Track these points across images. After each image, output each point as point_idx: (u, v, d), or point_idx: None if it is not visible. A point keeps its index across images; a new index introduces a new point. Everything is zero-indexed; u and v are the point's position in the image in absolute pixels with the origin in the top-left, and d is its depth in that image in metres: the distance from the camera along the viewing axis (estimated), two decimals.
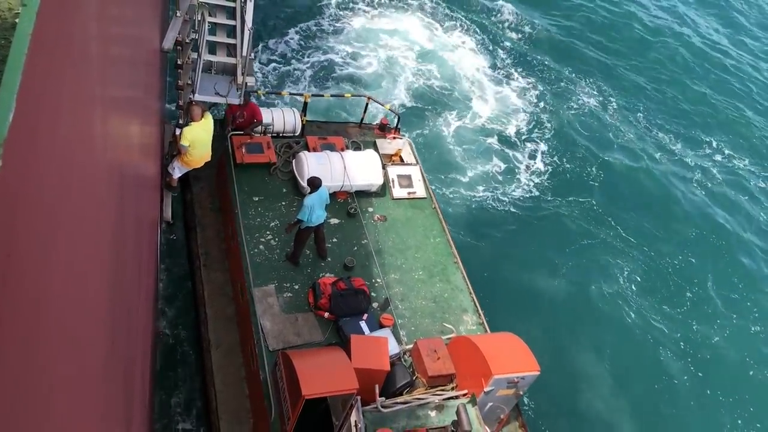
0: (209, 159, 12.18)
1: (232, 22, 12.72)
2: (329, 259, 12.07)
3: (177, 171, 12.22)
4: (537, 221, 18.20)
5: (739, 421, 15.32)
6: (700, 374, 15.88)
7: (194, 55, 12.14)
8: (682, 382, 15.67)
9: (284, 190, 12.84)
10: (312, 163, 12.57)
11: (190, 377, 12.47)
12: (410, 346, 11.02)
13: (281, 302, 11.25)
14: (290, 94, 14.98)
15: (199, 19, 11.97)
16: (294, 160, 13.00)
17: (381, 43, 22.12)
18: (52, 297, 3.30)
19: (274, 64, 19.26)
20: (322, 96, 15.18)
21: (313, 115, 15.59)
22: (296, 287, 11.52)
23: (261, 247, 11.89)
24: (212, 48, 12.65)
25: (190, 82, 12.04)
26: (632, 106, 23.69)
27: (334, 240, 12.39)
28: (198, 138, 11.51)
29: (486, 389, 9.98)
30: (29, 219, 2.76)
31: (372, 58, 21.34)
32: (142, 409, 8.90)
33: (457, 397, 10.27)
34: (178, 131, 11.83)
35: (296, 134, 14.42)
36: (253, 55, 12.42)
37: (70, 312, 3.80)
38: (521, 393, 10.39)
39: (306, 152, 12.90)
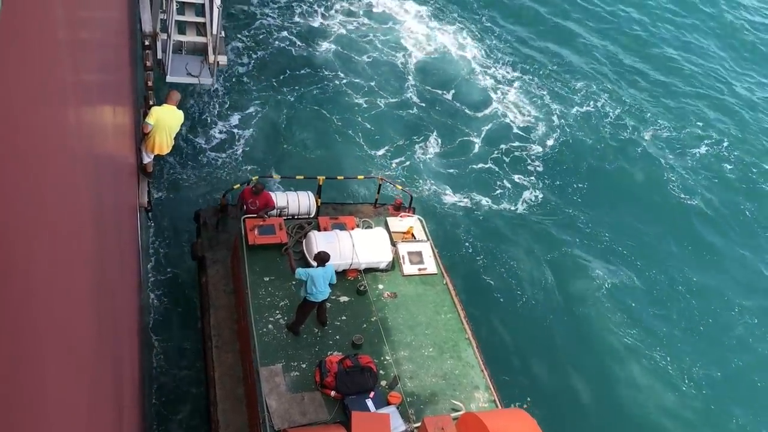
0: (170, 149, 12.20)
1: (200, 1, 12.70)
2: (337, 336, 12.09)
3: (146, 156, 12.22)
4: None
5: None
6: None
7: (164, 36, 12.10)
8: None
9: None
10: (321, 241, 12.79)
11: None
12: (418, 424, 10.80)
13: (288, 381, 11.23)
14: (305, 177, 15.43)
15: None
16: (304, 241, 13.26)
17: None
18: (37, 286, 3.33)
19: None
20: (335, 178, 15.59)
21: (328, 197, 15.97)
22: (303, 366, 11.51)
23: (270, 326, 12.00)
24: (182, 28, 12.61)
25: (158, 61, 12.07)
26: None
27: (343, 318, 12.43)
28: (163, 120, 11.62)
29: None
30: (6, 211, 2.76)
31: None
32: (133, 394, 8.96)
33: None
34: (146, 111, 11.89)
35: (311, 216, 14.76)
36: (223, 33, 12.50)
37: (55, 300, 3.85)
38: None
39: (315, 231, 13.17)
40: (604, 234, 18.94)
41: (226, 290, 13.47)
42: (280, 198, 14.63)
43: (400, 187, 15.77)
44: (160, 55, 12.31)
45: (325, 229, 13.67)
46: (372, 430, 9.51)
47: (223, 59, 12.40)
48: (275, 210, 14.23)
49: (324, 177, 15.14)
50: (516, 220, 18.86)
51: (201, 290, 13.65)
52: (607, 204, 19.87)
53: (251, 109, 19.60)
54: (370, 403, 10.84)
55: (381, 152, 19.62)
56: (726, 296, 18.12)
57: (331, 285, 11.75)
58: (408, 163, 19.54)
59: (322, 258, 11.55)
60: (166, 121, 11.86)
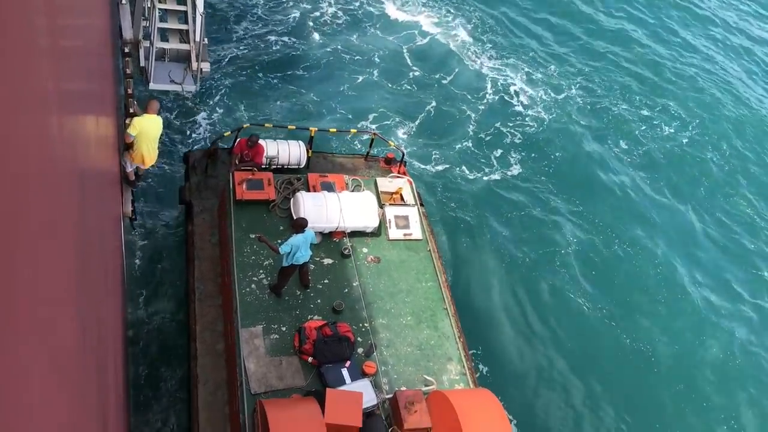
0: (154, 160, 12.27)
1: (182, 8, 12.60)
2: (319, 300, 12.32)
3: (128, 166, 12.30)
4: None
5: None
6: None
7: (146, 43, 12.04)
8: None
9: (281, 228, 13.11)
10: (308, 204, 12.81)
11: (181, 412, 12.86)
12: (390, 395, 11.22)
13: (267, 344, 11.54)
14: (297, 127, 15.23)
15: (149, 6, 11.93)
16: (292, 199, 13.25)
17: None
18: (20, 295, 3.37)
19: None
20: (327, 131, 15.41)
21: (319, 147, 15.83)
22: (284, 329, 11.80)
23: (253, 286, 12.19)
24: (164, 35, 12.53)
25: (141, 68, 11.99)
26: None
27: (326, 281, 12.63)
28: (146, 130, 11.64)
29: None
30: None
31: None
32: (117, 401, 9.30)
33: None
34: (128, 120, 11.87)
35: (301, 167, 14.69)
36: (206, 40, 12.36)
37: (38, 310, 3.89)
38: None
39: (303, 192, 13.14)
40: (581, 205, 19.18)
41: (212, 240, 13.56)
42: (271, 147, 14.49)
43: (392, 144, 15.63)
44: (143, 63, 12.08)
45: (314, 187, 13.65)
46: (344, 409, 9.87)
47: (206, 66, 12.31)
48: (265, 158, 14.13)
49: (316, 128, 14.96)
50: (499, 190, 19.03)
51: (187, 239, 13.73)
52: (583, 179, 20.12)
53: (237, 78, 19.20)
54: (345, 372, 11.19)
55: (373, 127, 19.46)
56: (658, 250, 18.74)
57: (312, 245, 11.91)
58: (399, 137, 19.44)
59: (302, 225, 11.66)
60: (150, 131, 11.76)
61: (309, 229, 11.80)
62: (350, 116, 19.48)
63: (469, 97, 21.60)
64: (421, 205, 14.76)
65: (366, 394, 10.72)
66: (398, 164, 15.29)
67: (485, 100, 21.68)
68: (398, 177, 14.75)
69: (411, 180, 14.76)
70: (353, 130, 16.04)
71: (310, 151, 14.87)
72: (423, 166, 18.80)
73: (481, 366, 14.67)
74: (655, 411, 15.26)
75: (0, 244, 2.92)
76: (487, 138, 20.40)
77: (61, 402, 4.75)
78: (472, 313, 15.56)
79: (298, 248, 11.53)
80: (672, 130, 22.70)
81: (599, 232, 18.71)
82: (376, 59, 21.88)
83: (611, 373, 15.73)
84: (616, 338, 16.41)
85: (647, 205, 19.95)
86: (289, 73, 20.39)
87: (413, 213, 13.97)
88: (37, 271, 3.90)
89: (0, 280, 2.88)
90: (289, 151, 14.67)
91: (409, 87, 21.31)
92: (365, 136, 17.64)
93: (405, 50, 22.61)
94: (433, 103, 20.95)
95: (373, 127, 19.08)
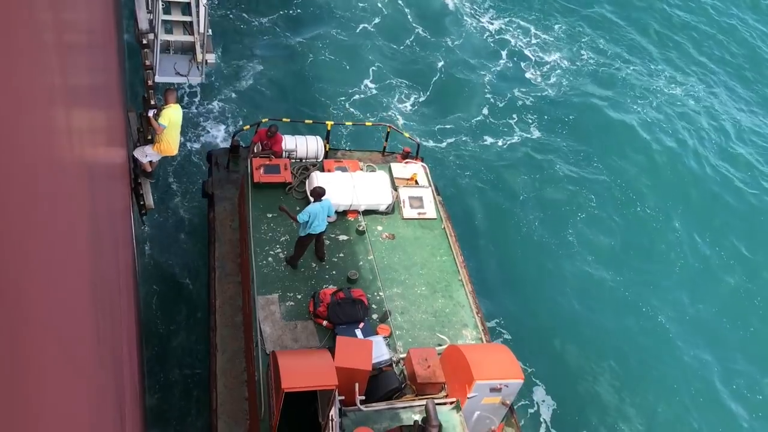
0: (177, 150, 12.53)
1: None
2: (334, 272, 12.56)
3: (150, 157, 12.50)
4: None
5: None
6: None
7: (151, 36, 12.25)
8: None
9: (297, 209, 13.47)
10: (322, 182, 13.20)
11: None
12: (404, 354, 11.28)
13: (283, 310, 11.78)
14: (314, 122, 15.80)
15: None
16: (307, 180, 13.70)
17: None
18: (34, 293, 3.38)
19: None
20: (343, 124, 15.93)
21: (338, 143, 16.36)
22: (299, 297, 12.04)
23: (269, 259, 12.53)
24: (168, 27, 12.75)
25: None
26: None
27: (341, 255, 12.90)
28: (174, 120, 12.02)
29: (469, 395, 10.10)
30: (0, 219, 2.73)
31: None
32: (133, 395, 9.46)
33: (444, 405, 10.42)
34: (151, 113, 12.08)
35: (319, 160, 15.18)
36: (210, 31, 12.55)
37: (53, 306, 3.93)
38: (508, 402, 10.44)
39: (318, 172, 13.58)
40: (604, 177, 19.28)
41: (232, 226, 14.02)
42: (290, 141, 15.03)
43: (408, 135, 16.05)
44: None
45: (329, 171, 14.08)
46: (354, 354, 9.98)
47: (211, 57, 12.46)
48: (283, 153, 14.65)
49: (332, 122, 15.50)
50: (514, 160, 19.29)
51: (209, 225, 14.23)
52: (599, 144, 20.23)
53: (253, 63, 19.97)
54: (359, 332, 11.31)
55: (384, 99, 19.92)
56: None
57: (329, 219, 12.22)
58: (408, 108, 19.89)
59: (319, 193, 12.00)
60: (176, 120, 12.19)
61: (326, 198, 12.15)
62: (359, 90, 19.87)
63: (475, 59, 21.78)
64: (438, 193, 15.04)
65: (378, 349, 10.81)
66: (414, 158, 15.66)
67: (493, 62, 21.87)
68: (413, 163, 15.10)
69: (426, 166, 15.08)
70: (368, 123, 16.53)
71: (327, 145, 15.38)
72: (433, 133, 19.05)
73: (499, 330, 14.66)
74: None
75: (12, 239, 2.94)
76: (500, 103, 20.66)
77: (79, 397, 4.76)
78: (491, 283, 15.63)
79: (315, 217, 11.86)
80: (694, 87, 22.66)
81: (624, 195, 18.78)
82: (376, 19, 22.24)
83: (636, 345, 15.55)
84: (639, 310, 16.20)
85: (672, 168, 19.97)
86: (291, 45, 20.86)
87: (427, 194, 14.23)
88: (50, 267, 3.93)
89: (13, 277, 2.88)
90: (307, 145, 15.19)
91: (416, 55, 21.56)
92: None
93: (411, 19, 22.76)
94: (441, 65, 21.22)
95: (384, 101, 19.55)
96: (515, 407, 11.73)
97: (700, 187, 19.67)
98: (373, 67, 20.50)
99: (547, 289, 16.23)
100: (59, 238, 4.28)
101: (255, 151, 14.31)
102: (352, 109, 18.88)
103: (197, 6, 12.44)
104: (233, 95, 18.87)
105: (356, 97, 19.50)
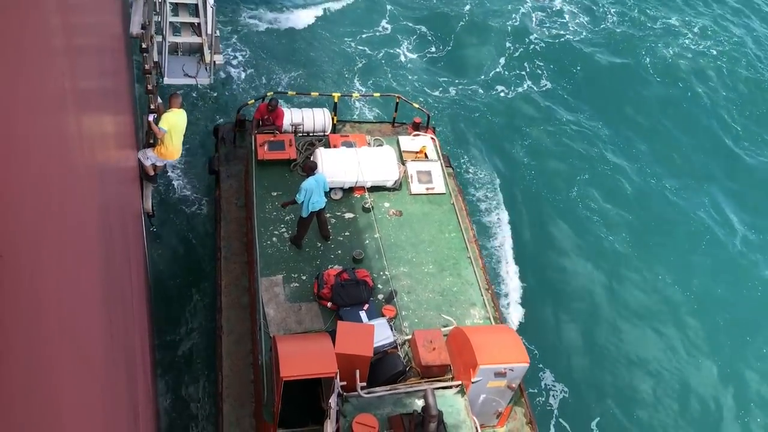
0: (180, 154, 12.36)
1: (193, 1, 12.67)
2: (339, 251, 12.35)
3: (151, 160, 12.36)
4: None
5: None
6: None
7: (159, 38, 12.14)
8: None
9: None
10: (327, 159, 12.91)
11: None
12: (409, 336, 11.09)
13: (287, 292, 11.63)
14: (320, 94, 15.42)
15: (160, 0, 12.09)
16: (311, 157, 13.39)
17: None
18: (48, 294, 3.38)
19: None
20: (350, 96, 15.52)
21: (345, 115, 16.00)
22: (304, 278, 11.87)
23: (274, 239, 12.35)
24: (176, 29, 12.68)
25: (154, 63, 12.11)
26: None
27: (347, 233, 12.66)
28: (175, 125, 11.84)
29: (474, 379, 9.90)
30: (15, 221, 2.76)
31: None
32: (146, 394, 9.43)
33: (449, 388, 10.24)
34: (151, 117, 11.97)
35: (326, 133, 14.84)
36: (218, 32, 12.41)
37: (66, 306, 3.92)
38: (514, 386, 10.23)
39: (322, 148, 13.27)
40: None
41: (238, 204, 13.84)
42: (296, 115, 14.71)
43: (417, 106, 15.60)
44: (156, 58, 12.26)
45: (335, 146, 13.76)
46: (355, 340, 9.80)
47: (219, 58, 12.37)
48: (291, 126, 14.34)
49: (339, 94, 15.11)
50: (527, 112, 19.15)
51: (215, 203, 14.07)
52: (620, 98, 20.04)
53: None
54: (363, 314, 11.14)
55: (393, 61, 19.51)
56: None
57: (325, 193, 11.97)
58: (420, 70, 19.47)
59: (311, 167, 11.78)
60: (178, 125, 11.93)
61: (319, 173, 11.89)
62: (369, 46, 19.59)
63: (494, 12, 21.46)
64: (449, 165, 14.65)
65: (381, 332, 10.63)
66: (425, 128, 15.25)
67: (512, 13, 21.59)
68: (422, 135, 14.69)
69: (435, 138, 14.67)
70: (376, 94, 16.09)
71: (335, 117, 15.03)
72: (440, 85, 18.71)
73: (511, 309, 14.43)
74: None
75: (26, 242, 2.90)
76: (516, 53, 20.42)
77: (93, 394, 4.73)
78: (509, 256, 15.46)
79: (312, 193, 11.62)
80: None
81: (638, 159, 18.47)
82: None
83: (644, 320, 15.20)
84: (649, 278, 15.80)
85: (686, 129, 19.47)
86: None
87: (436, 168, 13.85)
88: (64, 269, 3.90)
89: (27, 279, 2.85)
90: (314, 118, 14.83)
91: (426, 17, 21.41)
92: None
93: None
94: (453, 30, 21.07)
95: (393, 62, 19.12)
96: (526, 390, 11.54)
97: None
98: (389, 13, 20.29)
99: (568, 260, 15.93)
100: (70, 239, 4.28)
101: (257, 126, 14.03)
102: (363, 59, 18.67)
103: (204, 7, 12.29)
104: (237, 69, 18.56)
105: (372, 37, 19.22)
